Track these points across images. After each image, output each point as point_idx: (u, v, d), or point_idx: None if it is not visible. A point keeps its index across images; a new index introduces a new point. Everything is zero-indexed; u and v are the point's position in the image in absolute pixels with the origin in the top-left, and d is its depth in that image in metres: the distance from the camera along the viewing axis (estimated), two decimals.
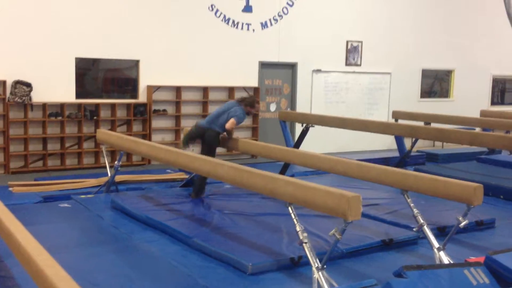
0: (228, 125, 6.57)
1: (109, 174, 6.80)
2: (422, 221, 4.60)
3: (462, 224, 4.30)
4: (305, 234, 4.06)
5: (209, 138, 6.62)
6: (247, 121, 10.59)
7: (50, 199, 6.67)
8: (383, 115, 12.04)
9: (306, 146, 10.90)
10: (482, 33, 13.46)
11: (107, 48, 9.12)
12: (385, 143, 11.79)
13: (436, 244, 4.51)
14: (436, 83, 13.38)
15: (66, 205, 6.35)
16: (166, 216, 5.62)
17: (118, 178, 7.43)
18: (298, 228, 4.09)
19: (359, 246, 4.96)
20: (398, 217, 5.99)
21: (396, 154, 9.72)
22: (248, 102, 6.80)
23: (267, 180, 4.26)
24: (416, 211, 4.66)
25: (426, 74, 12.97)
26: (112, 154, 8.92)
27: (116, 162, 6.65)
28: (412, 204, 4.69)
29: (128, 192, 6.93)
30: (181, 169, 7.88)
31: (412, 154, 9.95)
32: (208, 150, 6.60)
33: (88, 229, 5.52)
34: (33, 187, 7.16)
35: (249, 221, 5.67)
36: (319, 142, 11.01)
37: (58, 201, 6.57)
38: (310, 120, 7.98)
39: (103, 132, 6.86)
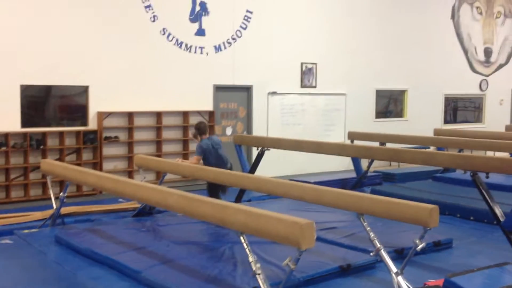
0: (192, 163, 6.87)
1: (54, 207, 6.44)
2: (379, 245, 4.47)
3: (419, 247, 4.18)
4: (258, 265, 3.86)
5: None
6: None
7: None
8: (339, 136, 12.03)
9: (263, 170, 10.77)
10: (433, 53, 13.75)
11: (54, 75, 8.79)
12: (343, 163, 11.76)
13: (394, 268, 4.38)
14: (391, 103, 13.52)
15: (7, 241, 5.95)
16: (114, 250, 5.32)
17: (65, 210, 7.06)
18: (251, 259, 3.89)
19: (316, 274, 4.78)
20: (356, 240, 5.86)
21: (354, 174, 9.67)
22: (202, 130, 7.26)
23: (217, 208, 4.05)
24: (372, 235, 4.52)
25: (381, 94, 13.09)
26: (61, 184, 8.53)
27: (61, 194, 6.31)
28: (368, 228, 4.55)
29: (75, 225, 6.57)
30: None
31: (369, 174, 9.93)
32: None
33: (30, 267, 5.15)
34: None
35: (203, 250, 5.42)
36: (276, 165, 10.90)
37: (0, 237, 6.16)
38: (265, 143, 7.84)
39: (48, 163, 6.52)
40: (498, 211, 5.19)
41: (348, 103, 12.30)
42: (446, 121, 14.35)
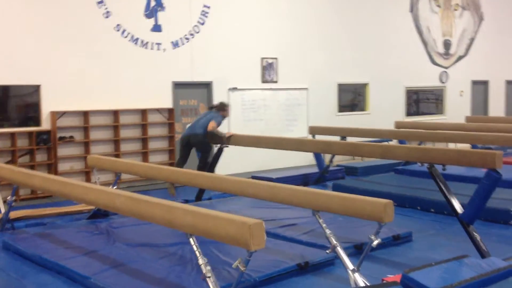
0: (209, 127, 7.89)
1: (3, 211, 6.15)
2: (335, 242, 4.37)
3: (375, 243, 4.09)
4: (208, 268, 3.70)
5: (196, 142, 8.03)
6: (163, 144, 10.17)
7: None
8: (302, 131, 11.95)
9: (226, 167, 10.66)
10: (393, 46, 13.79)
11: (3, 73, 8.43)
12: (306, 159, 11.68)
13: (350, 265, 4.28)
14: (357, 97, 13.53)
15: None
16: (63, 255, 5.09)
17: (16, 214, 6.79)
18: (200, 261, 3.73)
19: (273, 273, 4.65)
20: (315, 237, 5.76)
21: (317, 169, 9.60)
22: (220, 107, 8.26)
23: (165, 210, 3.88)
24: (328, 232, 4.42)
25: (346, 88, 13.08)
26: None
27: (9, 197, 6.03)
28: (324, 225, 4.45)
29: (25, 230, 6.31)
30: None
31: (331, 168, 9.89)
32: (202, 155, 8.10)
33: None
34: None
35: (158, 253, 5.24)
36: (239, 161, 10.79)
37: None
38: (223, 140, 7.67)
39: None
40: (455, 203, 5.15)
41: (310, 98, 12.24)
42: (409, 114, 14.45)
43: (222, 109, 8.23)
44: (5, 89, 8.66)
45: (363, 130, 9.09)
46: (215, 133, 7.98)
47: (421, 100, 15.11)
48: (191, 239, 3.79)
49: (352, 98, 13.50)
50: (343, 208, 4.20)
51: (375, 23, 13.35)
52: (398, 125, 10.48)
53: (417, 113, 14.87)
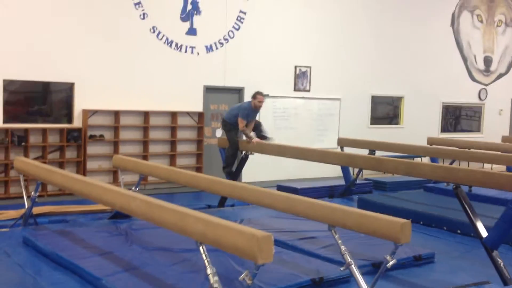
0: (239, 125, 7.76)
1: (26, 206, 6.25)
2: (349, 259, 4.25)
3: (390, 263, 3.96)
4: (216, 278, 3.65)
5: (226, 131, 8.05)
6: (191, 147, 10.19)
7: None
8: (333, 142, 11.73)
9: (252, 174, 10.63)
10: (431, 60, 13.50)
11: (38, 69, 8.62)
12: (336, 170, 11.51)
13: (364, 285, 4.17)
14: (391, 110, 13.31)
15: None
16: (79, 255, 5.12)
17: (40, 209, 6.90)
18: (209, 271, 3.68)
19: (286, 287, 4.57)
20: (334, 251, 5.61)
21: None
22: (253, 95, 7.87)
23: (177, 216, 3.85)
24: (343, 249, 4.31)
25: (380, 101, 12.89)
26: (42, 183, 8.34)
27: (33, 193, 6.12)
28: (339, 241, 4.34)
29: (47, 226, 6.40)
30: None
31: (359, 182, 9.74)
32: (226, 151, 8.06)
33: None
34: None
35: (172, 258, 5.21)
36: (266, 169, 10.73)
37: None
38: (248, 148, 7.64)
39: (20, 160, 6.34)
40: (480, 226, 4.96)
41: (342, 108, 12.09)
42: (444, 130, 14.11)
43: (253, 97, 7.91)
44: (41, 85, 8.85)
45: (392, 144, 8.90)
46: (243, 133, 7.88)
47: (458, 117, 14.75)
48: (200, 248, 3.74)
49: (386, 111, 13.27)
50: (359, 225, 4.09)
51: (414, 35, 13.10)
52: (431, 141, 10.23)
53: (454, 129, 14.51)
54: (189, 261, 5.12)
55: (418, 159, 11.95)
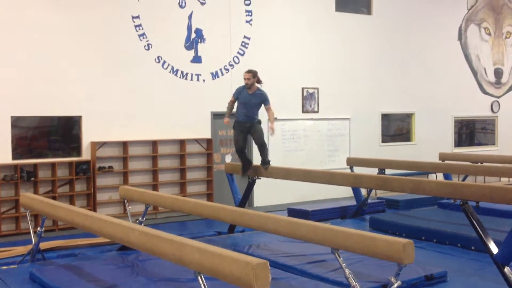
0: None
1: (33, 242, 6.26)
2: (354, 283, 4.14)
3: (395, 285, 3.85)
4: None
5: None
6: (201, 174, 10.16)
7: None
8: (344, 162, 11.66)
9: (264, 198, 10.56)
10: (440, 75, 13.40)
11: (46, 105, 8.72)
12: (348, 190, 11.40)
13: None
14: (402, 127, 13.19)
15: None
16: None
17: (48, 244, 6.92)
18: None
19: None
20: (343, 275, 5.52)
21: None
22: None
23: (175, 246, 3.80)
24: (347, 272, 4.22)
25: (390, 118, 12.80)
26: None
27: (39, 228, 6.13)
28: (343, 264, 4.25)
29: (55, 261, 6.39)
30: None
31: (372, 201, 9.62)
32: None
33: None
34: None
35: None
36: (276, 193, 10.65)
37: None
38: (255, 172, 7.58)
39: (26, 196, 6.36)
40: (490, 242, 4.82)
41: (352, 128, 12.01)
42: (458, 144, 13.91)
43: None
44: (46, 120, 8.94)
45: (402, 162, 8.78)
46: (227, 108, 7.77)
47: (472, 131, 14.55)
48: (199, 278, 3.68)
49: (397, 128, 13.16)
50: (361, 247, 4.00)
51: (421, 51, 13.02)
52: (443, 157, 10.08)
53: (469, 143, 14.31)
54: None
55: (432, 176, 11.78)
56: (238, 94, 7.61)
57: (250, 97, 7.57)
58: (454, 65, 13.75)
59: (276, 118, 10.87)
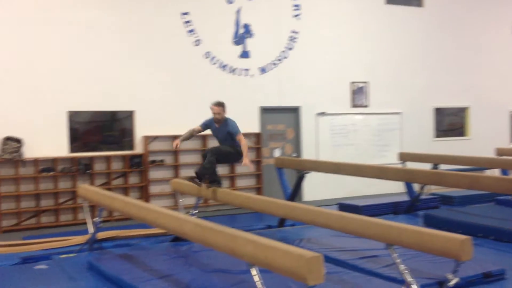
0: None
1: (91, 231, 6.46)
2: (409, 279, 4.08)
3: (452, 282, 3.77)
4: None
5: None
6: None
7: (29, 260, 6.34)
8: (395, 157, 11.48)
9: (314, 192, 10.52)
10: (495, 68, 12.95)
11: (100, 100, 8.98)
12: (401, 185, 11.21)
13: None
14: (459, 121, 12.85)
15: (42, 266, 5.99)
16: (140, 278, 5.20)
17: (104, 234, 7.11)
18: None
19: None
20: (397, 270, 5.41)
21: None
22: None
23: (228, 238, 3.84)
24: (403, 268, 4.15)
25: (444, 113, 12.49)
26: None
27: (95, 218, 6.32)
28: (398, 260, 4.18)
29: (111, 250, 6.56)
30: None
31: (425, 197, 9.39)
32: None
33: None
34: (15, 247, 6.86)
35: (231, 279, 5.19)
36: (328, 187, 10.60)
37: (37, 262, 6.22)
38: (304, 166, 7.57)
39: (84, 188, 6.57)
40: None
41: (403, 123, 11.79)
42: None
43: None
44: (101, 114, 9.20)
45: (457, 157, 8.54)
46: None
47: None
48: (252, 270, 3.71)
49: (451, 122, 12.82)
50: (416, 243, 3.92)
51: (476, 43, 12.63)
52: (500, 152, 9.74)
53: None
54: (247, 282, 5.07)
55: (489, 172, 11.43)
56: (206, 127, 6.55)
57: (218, 131, 6.45)
58: (509, 59, 13.25)
59: (324, 113, 10.83)
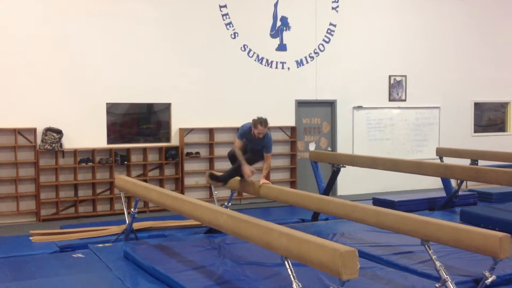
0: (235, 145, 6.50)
1: (127, 222, 6.58)
2: (445, 275, 4.01)
3: (489, 280, 3.69)
4: None
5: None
6: (285, 162, 10.21)
7: (67, 248, 6.52)
8: (433, 152, 11.27)
9: (348, 187, 10.44)
10: None
11: (138, 92, 9.10)
12: (436, 181, 11.01)
13: None
14: (500, 116, 12.52)
15: (79, 255, 6.14)
16: (174, 268, 5.27)
17: (140, 225, 7.24)
18: (294, 287, 3.63)
19: None
20: (432, 267, 5.32)
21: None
22: (253, 123, 6.16)
23: (262, 231, 3.86)
24: (438, 264, 4.08)
25: (483, 107, 12.19)
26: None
27: (132, 209, 6.43)
28: (434, 256, 4.12)
29: (147, 241, 6.67)
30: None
31: (462, 193, 9.22)
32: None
33: (92, 282, 5.25)
34: (53, 235, 7.05)
35: (264, 272, 5.22)
36: (362, 182, 10.51)
37: (75, 251, 6.38)
38: (340, 160, 7.51)
39: (120, 179, 6.69)
40: None
41: (442, 117, 11.56)
42: None
43: (253, 125, 6.20)
44: (140, 107, 9.34)
45: (497, 153, 8.33)
46: (236, 154, 6.46)
47: None
48: (286, 262, 3.71)
49: (491, 117, 12.50)
50: (453, 239, 3.85)
51: None
52: None
53: None
54: (280, 275, 5.09)
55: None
56: (242, 137, 6.43)
57: (255, 142, 6.37)
58: None
59: (360, 107, 10.72)
